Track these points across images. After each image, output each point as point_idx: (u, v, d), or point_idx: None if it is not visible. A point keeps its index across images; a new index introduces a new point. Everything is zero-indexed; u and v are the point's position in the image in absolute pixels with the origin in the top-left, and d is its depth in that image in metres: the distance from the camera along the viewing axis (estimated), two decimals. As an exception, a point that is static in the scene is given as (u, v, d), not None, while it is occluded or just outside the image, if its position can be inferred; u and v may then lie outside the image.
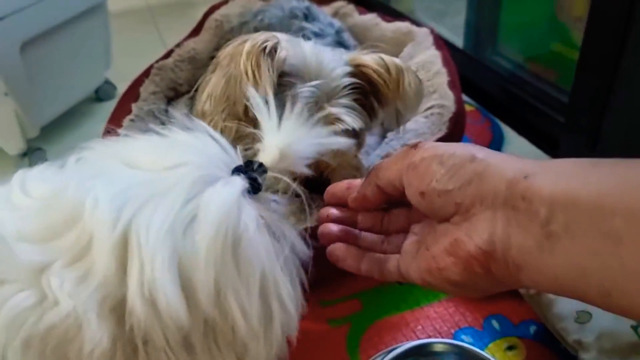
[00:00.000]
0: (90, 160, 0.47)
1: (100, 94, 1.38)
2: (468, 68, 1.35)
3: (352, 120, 0.73)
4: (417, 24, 1.17)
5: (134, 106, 1.02)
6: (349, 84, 0.75)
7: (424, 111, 0.93)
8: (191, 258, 0.39)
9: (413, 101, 0.76)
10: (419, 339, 0.75)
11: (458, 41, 1.47)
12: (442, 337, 0.74)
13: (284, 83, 0.73)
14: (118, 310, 0.39)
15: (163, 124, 1.05)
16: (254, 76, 0.69)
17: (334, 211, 0.59)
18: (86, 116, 1.35)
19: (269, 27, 1.01)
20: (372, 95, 0.78)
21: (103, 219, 0.39)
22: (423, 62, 1.03)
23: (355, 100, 0.76)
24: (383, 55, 0.76)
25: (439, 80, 0.97)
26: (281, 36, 0.76)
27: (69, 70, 1.23)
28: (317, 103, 0.73)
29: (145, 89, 1.07)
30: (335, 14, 1.28)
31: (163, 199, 0.41)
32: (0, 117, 1.08)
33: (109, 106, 1.34)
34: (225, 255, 0.40)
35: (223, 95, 0.75)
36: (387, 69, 0.74)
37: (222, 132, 0.75)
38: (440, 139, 0.88)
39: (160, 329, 0.38)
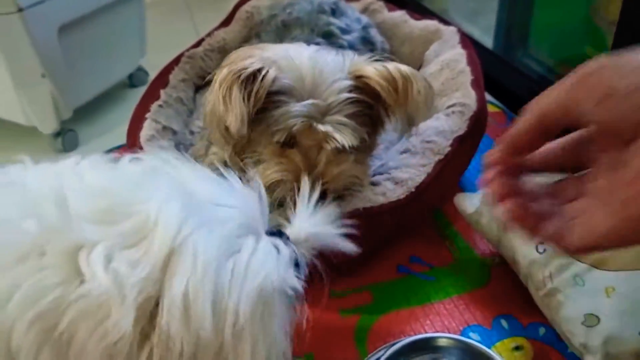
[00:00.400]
0: (146, 164, 0.51)
1: (134, 80, 1.43)
2: (497, 69, 1.34)
3: (342, 138, 0.73)
4: (445, 22, 1.17)
5: (162, 92, 1.05)
6: (349, 98, 0.74)
7: (446, 109, 0.94)
8: (226, 286, 0.43)
9: (423, 107, 0.76)
10: (426, 333, 0.76)
11: (490, 42, 1.46)
12: (450, 334, 0.75)
13: (277, 101, 0.73)
14: (143, 306, 0.41)
15: (190, 111, 1.09)
16: (226, 105, 0.70)
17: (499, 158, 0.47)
18: (118, 101, 1.39)
19: (297, 21, 1.03)
20: (378, 104, 0.78)
21: (170, 224, 0.43)
22: (448, 60, 1.03)
23: (355, 112, 0.75)
24: (388, 64, 0.75)
25: (463, 79, 0.97)
26: (275, 52, 0.76)
27: (104, 55, 1.28)
28: (310, 121, 0.73)
29: (174, 77, 1.10)
30: (365, 10, 1.29)
31: (216, 228, 0.45)
32: (36, 98, 1.12)
33: (141, 92, 1.38)
34: (259, 304, 0.44)
35: (213, 117, 0.75)
36: (392, 79, 0.73)
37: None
38: (460, 137, 0.88)
39: (183, 336, 0.41)
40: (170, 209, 0.43)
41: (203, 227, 0.44)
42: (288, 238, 0.52)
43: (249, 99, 0.70)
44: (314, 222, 0.54)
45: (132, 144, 0.94)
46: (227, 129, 0.73)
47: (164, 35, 1.70)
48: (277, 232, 0.52)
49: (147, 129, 0.95)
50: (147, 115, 0.98)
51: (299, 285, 0.49)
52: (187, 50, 1.16)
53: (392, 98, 0.74)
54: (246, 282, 0.44)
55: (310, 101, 0.72)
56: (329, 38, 0.99)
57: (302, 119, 0.72)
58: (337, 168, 0.76)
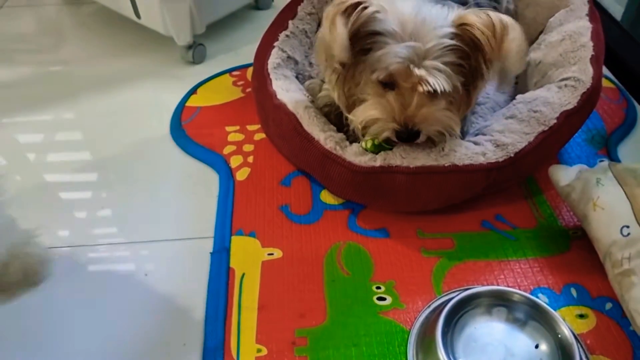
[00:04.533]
0: None
1: (259, 4, 1.50)
2: (619, 43, 1.31)
3: (435, 82, 0.77)
4: (577, -11, 1.15)
5: (290, 23, 1.13)
6: (449, 45, 0.78)
7: (559, 81, 0.95)
8: None
9: (515, 56, 0.77)
10: (500, 286, 0.83)
11: (620, 11, 1.40)
12: (522, 291, 0.81)
13: (380, 42, 0.78)
14: None
15: (312, 44, 1.16)
16: (331, 34, 0.75)
17: None
18: (244, 21, 1.48)
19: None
20: (478, 55, 0.80)
21: None
22: (572, 32, 1.02)
23: (453, 61, 0.79)
24: (490, 13, 0.77)
25: (583, 54, 0.97)
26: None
27: (239, -23, 1.36)
28: (408, 63, 0.77)
29: (302, 9, 1.16)
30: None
31: None
32: (177, 11, 1.22)
33: (265, 15, 1.46)
34: None
35: (321, 47, 0.82)
36: (492, 26, 0.76)
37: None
38: (568, 112, 0.90)
39: None
40: None
41: None
42: None
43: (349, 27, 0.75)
44: None
45: (259, 67, 1.03)
46: (332, 57, 0.80)
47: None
48: None
49: (274, 57, 1.04)
50: (275, 43, 1.07)
51: None
52: (317, -17, 1.22)
53: (490, 45, 0.77)
54: None
55: (409, 43, 0.77)
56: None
57: (400, 60, 0.77)
58: (427, 110, 0.81)
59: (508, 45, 0.76)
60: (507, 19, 0.77)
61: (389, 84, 0.81)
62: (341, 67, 0.83)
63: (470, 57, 0.81)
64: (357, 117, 0.85)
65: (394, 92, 0.82)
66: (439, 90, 0.78)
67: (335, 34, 0.75)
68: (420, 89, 0.79)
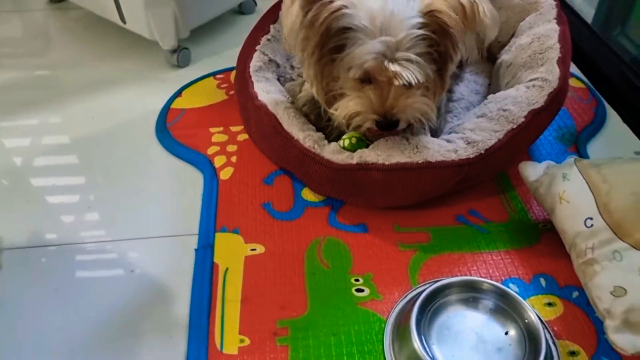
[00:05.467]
0: None
1: (243, 8, 1.54)
2: (590, 44, 1.35)
3: (409, 75, 0.80)
4: (548, -7, 1.19)
5: (271, 27, 1.16)
6: (419, 35, 0.81)
7: (527, 81, 1.00)
8: None
9: (492, 25, 0.81)
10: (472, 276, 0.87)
11: (591, 13, 1.45)
12: (492, 281, 0.85)
13: (352, 38, 0.81)
14: None
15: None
16: (286, 15, 0.79)
17: None
18: (228, 26, 1.51)
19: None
20: (446, 41, 0.83)
21: None
22: (539, 34, 1.07)
23: (424, 51, 0.82)
24: None
25: (550, 55, 1.01)
26: None
27: (222, -18, 1.39)
28: (382, 59, 0.80)
29: (283, 13, 1.20)
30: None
31: None
32: (161, 16, 1.25)
33: (249, 20, 1.50)
34: None
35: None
36: (461, 7, 0.79)
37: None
38: (536, 111, 0.95)
39: None
40: None
41: None
42: None
43: (309, 19, 0.78)
44: None
45: (241, 70, 1.07)
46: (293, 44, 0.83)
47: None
48: None
49: (255, 60, 1.08)
50: (257, 47, 1.10)
51: None
52: (298, -12, 1.25)
53: (461, 26, 0.80)
54: None
55: (381, 38, 0.80)
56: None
57: (374, 56, 0.80)
58: (405, 101, 0.85)
59: (482, 20, 0.80)
60: None
61: (365, 78, 0.84)
62: (314, 57, 0.85)
63: (439, 44, 0.84)
64: (340, 112, 0.87)
65: (372, 86, 0.84)
66: (413, 83, 0.81)
67: (289, 17, 0.78)
68: (395, 82, 0.82)
